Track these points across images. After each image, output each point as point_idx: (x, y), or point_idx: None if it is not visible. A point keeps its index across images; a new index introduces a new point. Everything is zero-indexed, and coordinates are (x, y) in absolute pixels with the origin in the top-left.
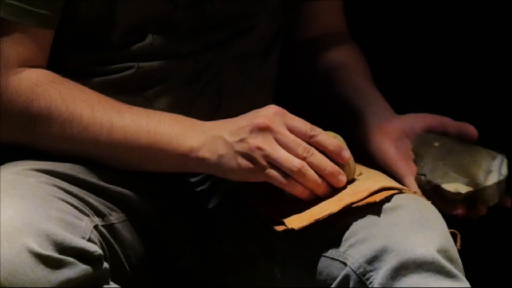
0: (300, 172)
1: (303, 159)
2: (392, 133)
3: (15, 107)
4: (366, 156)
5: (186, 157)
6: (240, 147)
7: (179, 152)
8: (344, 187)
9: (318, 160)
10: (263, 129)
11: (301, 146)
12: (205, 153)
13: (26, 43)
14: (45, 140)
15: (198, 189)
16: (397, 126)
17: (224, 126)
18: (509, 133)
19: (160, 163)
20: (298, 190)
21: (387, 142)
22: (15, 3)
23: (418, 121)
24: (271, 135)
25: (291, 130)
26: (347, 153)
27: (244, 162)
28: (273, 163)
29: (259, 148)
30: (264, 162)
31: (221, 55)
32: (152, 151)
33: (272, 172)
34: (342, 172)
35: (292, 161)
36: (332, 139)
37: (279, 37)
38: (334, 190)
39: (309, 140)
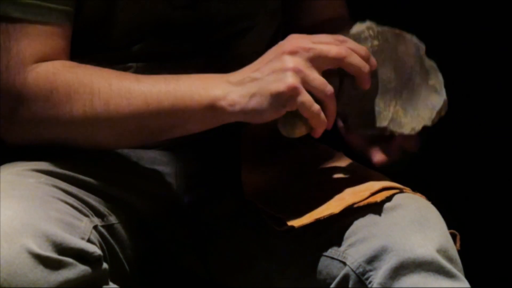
0: (348, 51)
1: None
2: None
3: (38, 101)
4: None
5: (213, 108)
6: (274, 76)
7: (204, 105)
8: (345, 184)
9: (353, 45)
10: (294, 53)
11: (335, 38)
12: (234, 97)
13: (44, 40)
14: (72, 128)
15: (198, 189)
16: None
17: (249, 67)
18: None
19: (188, 123)
20: (318, 121)
21: None
22: (31, 1)
23: None
24: (304, 56)
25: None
26: (374, 61)
27: (280, 86)
28: (308, 85)
29: (296, 70)
30: (299, 84)
31: (220, 55)
32: (177, 112)
33: (306, 96)
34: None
35: (335, 48)
36: (361, 46)
37: (279, 36)
38: (334, 187)
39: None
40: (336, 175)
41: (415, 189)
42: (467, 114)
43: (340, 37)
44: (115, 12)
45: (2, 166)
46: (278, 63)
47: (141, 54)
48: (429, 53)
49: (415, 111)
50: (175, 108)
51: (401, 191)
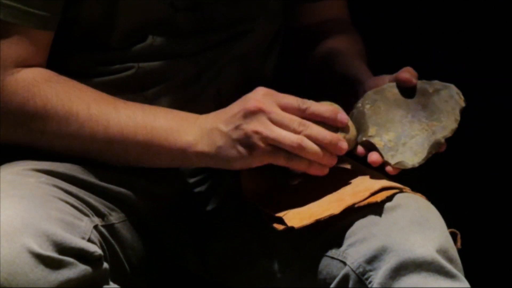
0: (300, 146)
1: (300, 133)
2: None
3: (12, 107)
4: None
5: (185, 152)
6: (237, 134)
7: (177, 148)
8: (345, 184)
9: (315, 131)
10: (256, 112)
11: (296, 121)
12: (203, 147)
13: (25, 44)
14: (43, 139)
15: (198, 189)
16: (371, 85)
17: (217, 116)
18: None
19: (158, 158)
20: (303, 166)
21: None
22: (15, 4)
23: (374, 82)
24: (264, 117)
25: (283, 108)
26: (344, 116)
27: (243, 149)
28: (273, 144)
29: (256, 132)
30: (263, 145)
31: (221, 56)
32: (150, 147)
33: (274, 152)
34: (341, 138)
35: (290, 138)
36: (325, 106)
37: (280, 38)
38: (334, 187)
39: (303, 114)
40: (336, 175)
41: (415, 189)
42: (467, 114)
43: (306, 103)
44: (116, 13)
45: (2, 166)
46: (241, 121)
47: (142, 55)
48: (428, 52)
49: (407, 147)
50: (149, 144)
51: (401, 191)
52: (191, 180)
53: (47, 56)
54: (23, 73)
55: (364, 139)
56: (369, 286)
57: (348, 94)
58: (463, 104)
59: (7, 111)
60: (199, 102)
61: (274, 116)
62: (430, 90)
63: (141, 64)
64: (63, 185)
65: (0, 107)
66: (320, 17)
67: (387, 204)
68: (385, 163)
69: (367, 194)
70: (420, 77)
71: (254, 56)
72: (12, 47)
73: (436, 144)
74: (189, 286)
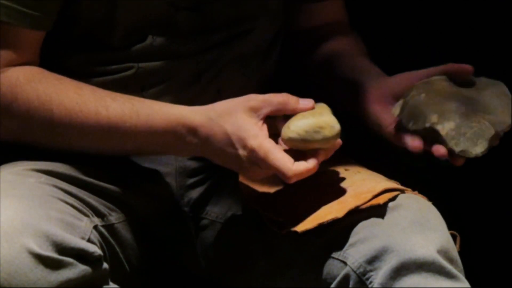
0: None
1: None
2: (386, 94)
3: None
4: (364, 126)
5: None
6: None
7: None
8: (346, 186)
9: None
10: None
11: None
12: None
13: (16, 43)
14: (32, 139)
15: (197, 189)
16: (390, 86)
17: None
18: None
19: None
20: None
21: (383, 103)
22: (8, 4)
23: (404, 78)
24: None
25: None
26: (293, 98)
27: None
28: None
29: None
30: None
31: (221, 55)
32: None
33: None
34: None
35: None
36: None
37: (280, 38)
38: (335, 188)
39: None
40: (336, 177)
41: (416, 190)
42: None
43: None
44: (116, 12)
45: (2, 166)
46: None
47: (142, 55)
48: (428, 52)
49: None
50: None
51: (403, 192)
52: (191, 180)
53: (38, 54)
54: (8, 73)
55: (427, 125)
56: (370, 286)
57: (350, 96)
58: None
59: None
60: (199, 102)
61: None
62: (480, 86)
63: (141, 64)
64: (63, 185)
65: None
66: (319, 19)
67: (388, 205)
68: (449, 152)
69: (370, 196)
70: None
71: (254, 56)
72: (2, 47)
73: (495, 136)
74: (189, 286)
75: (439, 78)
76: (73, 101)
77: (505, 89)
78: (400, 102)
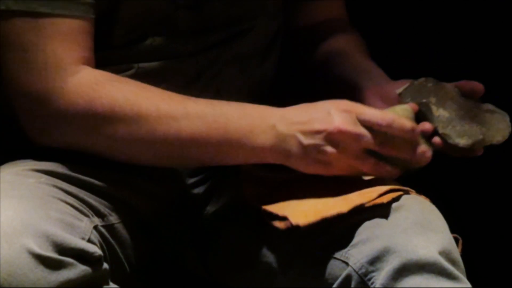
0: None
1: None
2: (387, 97)
3: (77, 109)
4: None
5: (257, 155)
6: (315, 154)
7: (249, 149)
8: (348, 184)
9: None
10: (337, 137)
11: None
12: (276, 153)
13: (75, 38)
14: (114, 144)
15: (198, 189)
16: (391, 90)
17: (297, 121)
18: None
19: (230, 158)
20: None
21: (382, 105)
22: None
23: (405, 83)
24: (347, 141)
25: (364, 123)
26: (419, 130)
27: (318, 166)
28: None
29: (337, 157)
30: (339, 165)
31: (221, 55)
32: (223, 148)
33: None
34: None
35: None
36: (405, 124)
37: (279, 37)
38: (337, 187)
39: (384, 129)
40: (338, 177)
41: (419, 192)
42: None
43: (386, 119)
44: (117, 10)
45: (2, 166)
46: (322, 142)
47: (142, 55)
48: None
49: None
50: (222, 145)
51: (407, 193)
52: (191, 180)
53: (93, 50)
54: (85, 73)
55: (424, 100)
56: (372, 286)
57: (349, 96)
58: (510, 132)
59: (73, 114)
60: None
61: (355, 142)
62: (485, 107)
63: (141, 64)
64: (63, 186)
65: (65, 111)
66: (319, 16)
67: (391, 206)
68: (434, 132)
69: (375, 195)
70: (419, 77)
71: (254, 55)
72: (64, 44)
73: (481, 143)
74: (189, 286)
75: (451, 85)
76: (158, 96)
77: (507, 118)
78: (406, 84)
